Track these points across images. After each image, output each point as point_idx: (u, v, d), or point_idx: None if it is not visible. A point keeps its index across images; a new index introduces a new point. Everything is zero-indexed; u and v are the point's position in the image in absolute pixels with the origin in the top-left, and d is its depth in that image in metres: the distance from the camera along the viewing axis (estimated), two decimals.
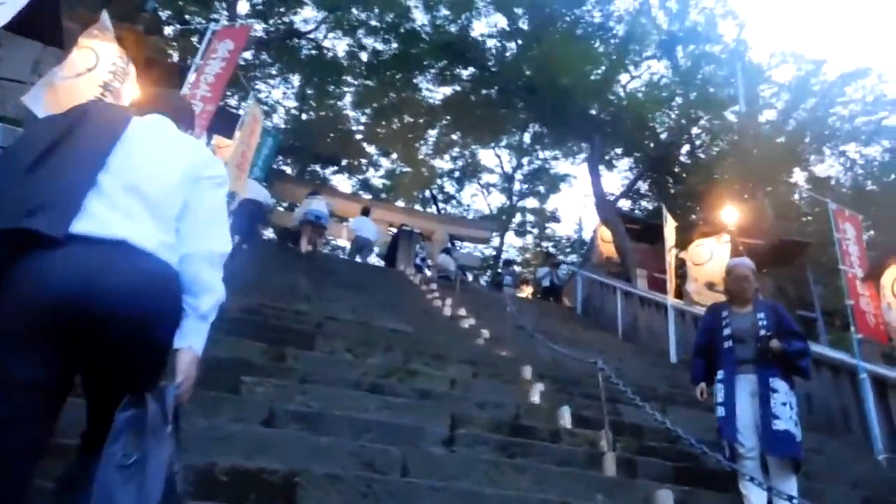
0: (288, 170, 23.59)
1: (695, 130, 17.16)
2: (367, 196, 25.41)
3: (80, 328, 1.78)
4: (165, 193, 2.01)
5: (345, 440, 3.80)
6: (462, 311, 9.60)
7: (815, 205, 11.54)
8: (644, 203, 19.44)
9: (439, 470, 3.75)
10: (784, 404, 4.32)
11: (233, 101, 17.12)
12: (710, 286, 10.79)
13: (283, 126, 22.19)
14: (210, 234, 2.10)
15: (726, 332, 4.67)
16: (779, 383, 4.38)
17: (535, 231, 28.96)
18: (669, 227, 11.08)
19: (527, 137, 25.17)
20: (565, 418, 5.22)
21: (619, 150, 20.46)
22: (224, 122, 11.01)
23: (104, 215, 1.88)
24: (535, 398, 5.60)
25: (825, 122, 18.35)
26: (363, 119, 22.81)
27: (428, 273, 15.35)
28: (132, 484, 1.71)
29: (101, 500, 1.68)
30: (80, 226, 1.84)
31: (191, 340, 2.02)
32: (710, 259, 10.71)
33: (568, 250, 25.69)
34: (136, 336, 1.84)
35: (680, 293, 11.07)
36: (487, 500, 3.44)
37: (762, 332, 4.46)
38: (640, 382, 7.64)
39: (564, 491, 3.93)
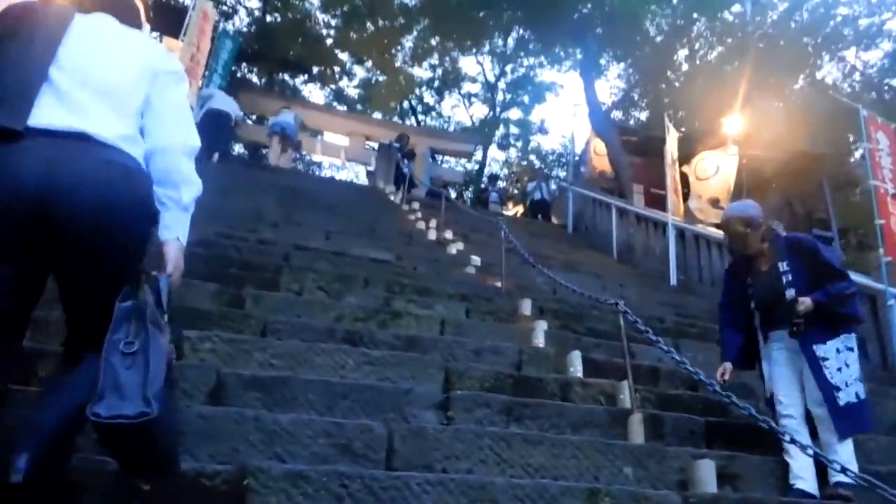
0: (255, 79, 22.11)
1: (693, 33, 15.91)
2: (342, 108, 24.08)
3: (45, 220, 1.79)
4: (122, 87, 2.01)
5: (314, 416, 3.01)
6: (448, 235, 8.75)
7: (830, 113, 10.65)
8: (637, 114, 18.39)
9: (434, 450, 2.99)
10: (840, 369, 3.55)
11: None
12: (715, 203, 10.05)
13: (245, 30, 20.57)
14: (180, 128, 2.12)
15: (751, 301, 3.89)
16: (827, 348, 3.57)
17: (520, 144, 27.90)
18: (671, 139, 10.18)
19: (511, 43, 23.69)
20: (575, 365, 4.47)
21: (609, 56, 19.24)
22: (168, 19, 9.81)
23: (60, 109, 1.88)
24: (539, 340, 4.84)
25: (827, 23, 17.24)
26: (334, 22, 21.20)
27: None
28: (136, 368, 1.78)
29: (108, 384, 1.75)
30: (37, 119, 1.84)
31: (176, 232, 2.12)
32: (716, 173, 9.94)
33: (555, 164, 24.78)
34: (101, 223, 1.84)
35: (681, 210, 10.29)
36: (498, 492, 2.67)
37: (788, 293, 3.63)
38: (644, 312, 6.93)
39: (587, 467, 3.21)
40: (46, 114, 1.86)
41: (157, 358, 1.82)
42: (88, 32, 2.05)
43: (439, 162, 21.45)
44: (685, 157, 10.75)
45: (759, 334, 3.87)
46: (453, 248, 7.81)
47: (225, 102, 12.54)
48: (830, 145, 11.43)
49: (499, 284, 6.38)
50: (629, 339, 5.32)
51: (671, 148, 10.09)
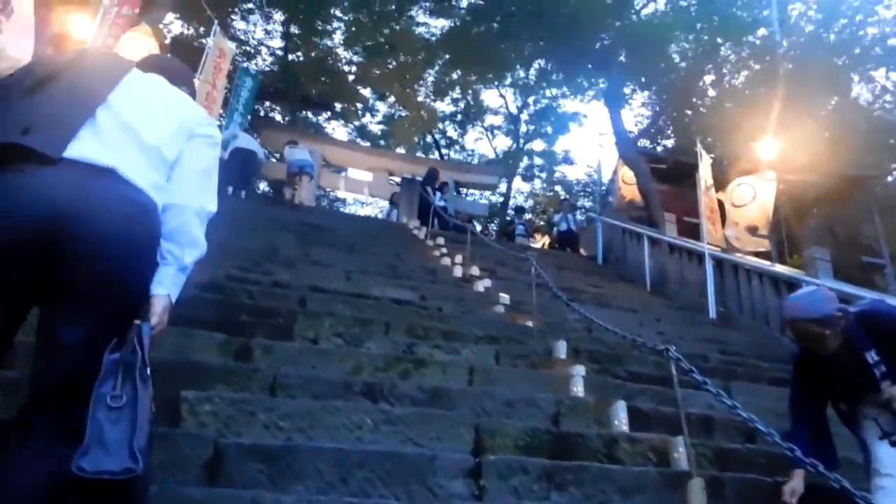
0: (278, 117, 22.10)
1: (719, 58, 15.52)
2: (365, 143, 24.00)
3: (58, 244, 1.77)
4: (161, 139, 2.06)
5: (322, 496, 2.60)
6: (475, 271, 8.35)
7: (867, 133, 10.15)
8: (664, 141, 17.93)
9: None
10: None
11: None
12: (753, 230, 9.55)
13: (268, 69, 20.60)
14: (203, 191, 2.16)
15: (828, 394, 3.31)
16: None
17: (544, 175, 27.53)
18: (704, 165, 9.72)
19: (533, 74, 23.49)
20: (620, 417, 4.01)
21: (633, 84, 18.90)
22: (185, 58, 9.64)
23: (99, 145, 1.92)
24: (577, 388, 4.38)
25: (855, 43, 16.74)
26: (355, 59, 21.17)
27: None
28: (122, 423, 1.77)
29: (94, 438, 1.72)
30: (73, 151, 1.87)
31: (168, 289, 2.06)
32: (753, 199, 9.44)
33: (581, 194, 24.35)
34: (114, 251, 1.84)
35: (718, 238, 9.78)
36: None
37: (885, 386, 3.01)
38: (685, 349, 6.45)
39: None
40: (84, 148, 1.89)
41: (144, 413, 1.81)
42: (140, 86, 2.15)
43: (463, 195, 21.16)
44: (717, 184, 10.29)
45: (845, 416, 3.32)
46: (480, 286, 7.40)
47: (250, 142, 13.01)
48: (870, 167, 10.88)
49: (530, 324, 5.95)
50: (668, 383, 4.91)
51: (705, 174, 9.63)
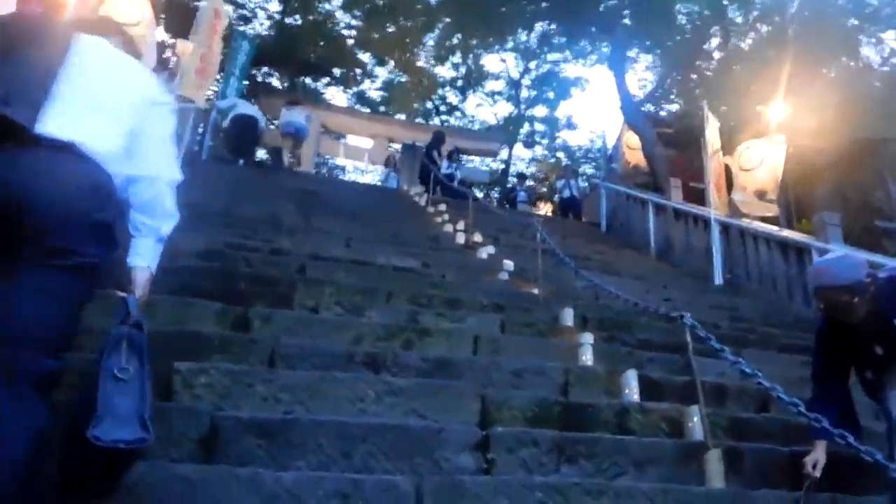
0: (276, 83, 21.75)
1: (725, 19, 15.13)
2: (365, 110, 23.67)
3: (13, 220, 1.80)
4: (119, 107, 2.07)
5: (324, 472, 2.48)
6: (477, 237, 8.19)
7: (878, 97, 9.88)
8: (669, 106, 17.60)
9: None
10: None
11: None
12: (762, 195, 9.36)
13: (265, 33, 20.18)
14: (167, 161, 2.22)
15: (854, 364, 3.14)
16: None
17: (546, 141, 27.21)
18: (711, 128, 9.49)
19: (534, 38, 23.05)
20: (631, 386, 3.88)
21: (636, 49, 18.51)
22: (178, 20, 9.45)
23: (60, 119, 1.92)
24: (586, 357, 4.25)
25: (865, 4, 16.34)
26: (354, 23, 20.74)
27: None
28: (130, 395, 1.89)
29: (105, 408, 1.82)
30: (40, 126, 1.89)
31: (147, 260, 2.18)
32: (762, 164, 9.23)
33: (583, 161, 24.08)
34: (58, 235, 1.85)
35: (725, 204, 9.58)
36: None
37: None
38: (695, 318, 6.31)
39: None
40: (47, 121, 1.91)
41: (148, 382, 1.96)
42: (95, 54, 2.12)
43: (464, 162, 20.90)
44: (725, 148, 10.07)
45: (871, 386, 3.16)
46: (483, 253, 7.25)
47: (250, 109, 12.72)
48: (882, 131, 10.62)
49: (535, 291, 5.81)
50: (681, 349, 4.79)
51: (712, 138, 9.41)
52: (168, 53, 12.20)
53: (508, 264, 6.68)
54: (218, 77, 13.31)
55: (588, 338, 4.56)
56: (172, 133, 2.29)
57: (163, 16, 11.87)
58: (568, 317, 5.06)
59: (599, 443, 3.14)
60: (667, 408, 3.67)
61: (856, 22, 14.26)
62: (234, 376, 3.09)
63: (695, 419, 3.48)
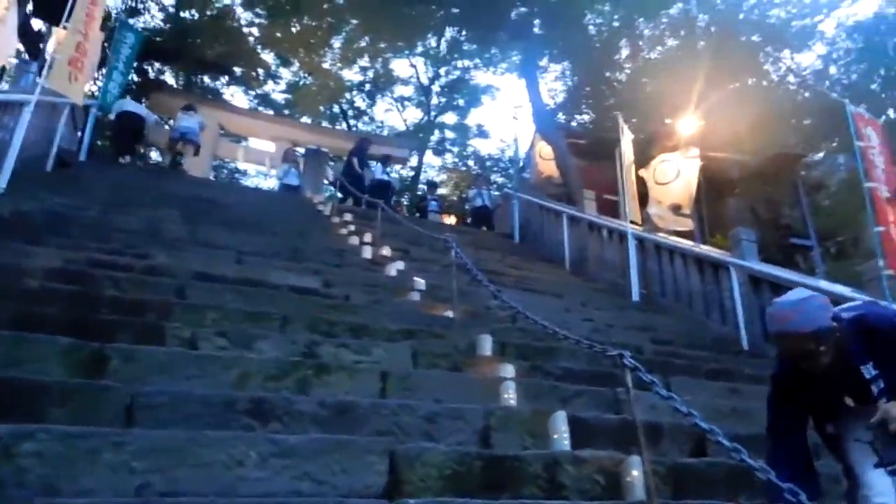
0: (171, 80, 20.44)
1: (637, 31, 15.22)
2: (269, 112, 22.63)
3: None
4: None
5: None
6: (386, 251, 7.61)
7: (788, 112, 9.99)
8: (580, 117, 17.57)
9: None
10: None
11: None
12: (676, 209, 9.23)
13: (160, 26, 18.90)
14: None
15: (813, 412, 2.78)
16: None
17: (456, 149, 26.90)
18: (626, 140, 9.30)
19: (444, 43, 22.73)
20: (560, 431, 3.40)
21: (547, 59, 18.44)
22: (49, 3, 8.46)
23: None
24: (509, 395, 3.75)
25: (764, 24, 16.86)
26: (256, 20, 19.72)
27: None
28: None
29: None
30: None
31: None
32: (677, 177, 9.10)
33: (494, 170, 23.88)
34: None
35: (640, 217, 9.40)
36: None
37: (882, 403, 2.49)
38: (616, 338, 5.98)
39: None
40: None
41: None
42: None
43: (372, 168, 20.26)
44: (637, 161, 9.92)
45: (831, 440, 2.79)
46: (392, 269, 6.67)
47: (137, 107, 12.39)
48: (793, 147, 10.79)
49: (450, 314, 5.28)
50: (604, 379, 4.38)
51: (627, 150, 9.21)
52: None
53: (420, 282, 6.14)
54: (100, 72, 12.27)
55: (509, 371, 4.08)
56: None
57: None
58: (486, 344, 4.57)
59: None
60: (602, 457, 3.20)
61: (758, 39, 14.62)
62: (73, 441, 2.39)
63: (634, 472, 3.03)
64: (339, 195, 12.42)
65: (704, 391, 4.81)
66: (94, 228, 5.75)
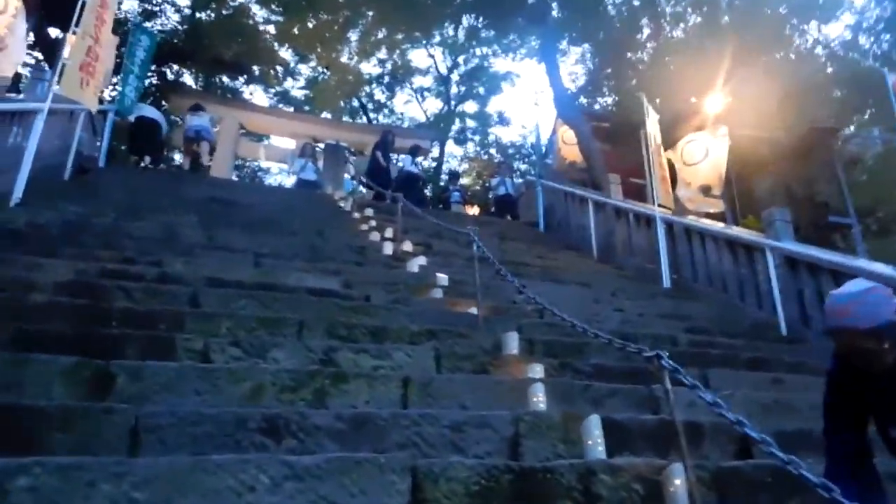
0: (190, 82, 20.45)
1: (658, 8, 14.77)
2: (289, 109, 22.57)
3: None
4: None
5: None
6: (407, 246, 7.43)
7: (819, 85, 9.57)
8: (602, 100, 17.17)
9: None
10: None
11: None
12: (706, 190, 8.91)
13: (174, 28, 18.87)
14: None
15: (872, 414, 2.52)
16: None
17: (478, 138, 26.63)
18: (652, 121, 8.98)
19: (462, 32, 22.43)
20: (594, 437, 3.17)
21: (566, 42, 18.04)
22: (59, 9, 8.39)
23: None
24: (539, 399, 3.53)
25: None
26: (273, 18, 19.60)
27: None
28: None
29: None
30: None
31: None
32: (706, 157, 8.77)
33: (516, 157, 23.57)
34: None
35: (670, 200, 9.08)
36: None
37: None
38: (648, 329, 5.74)
39: None
40: None
41: None
42: None
43: (394, 161, 20.10)
44: (663, 142, 9.59)
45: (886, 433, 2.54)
46: (414, 265, 6.48)
47: (152, 112, 12.38)
48: (827, 121, 10.33)
49: (474, 311, 5.07)
50: (638, 375, 4.14)
51: (653, 131, 8.90)
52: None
53: (442, 278, 5.94)
54: (117, 79, 12.26)
55: (538, 371, 3.87)
56: None
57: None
58: (512, 342, 4.35)
59: None
60: (640, 464, 2.98)
61: (784, 11, 14.09)
62: (69, 473, 2.24)
63: (676, 481, 2.80)
64: (363, 190, 12.31)
65: (744, 383, 4.55)
66: (108, 237, 5.64)
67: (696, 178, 8.72)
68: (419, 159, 15.49)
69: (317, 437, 2.87)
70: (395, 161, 14.91)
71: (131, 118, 12.42)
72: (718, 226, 8.12)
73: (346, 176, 14.90)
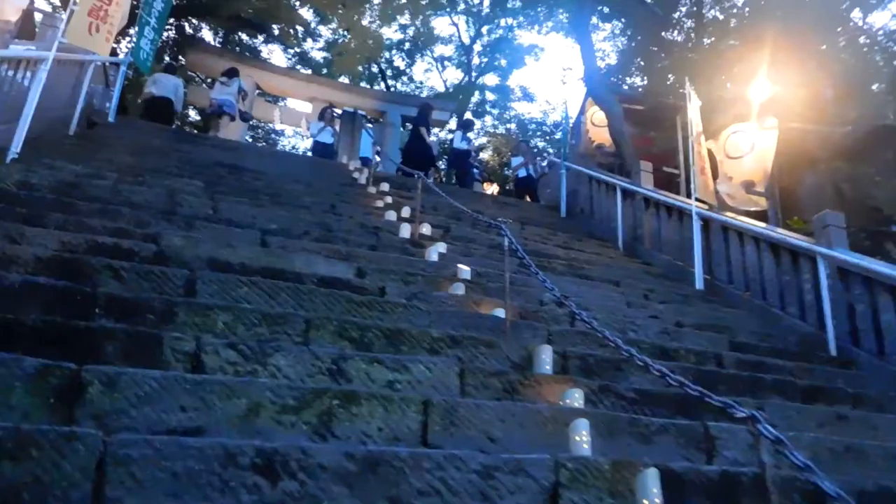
0: (209, 37, 19.81)
1: None
2: (307, 71, 21.93)
3: None
4: None
5: None
6: (426, 229, 6.91)
7: (884, 77, 8.86)
8: (632, 80, 16.44)
9: None
10: None
11: None
12: (749, 186, 8.31)
13: None
14: None
15: None
16: None
17: (496, 111, 25.92)
18: (693, 108, 8.34)
19: (487, 2, 21.67)
20: (651, 495, 2.67)
21: (596, 19, 17.26)
22: None
23: None
24: (582, 438, 3.02)
25: None
26: None
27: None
28: None
29: None
30: None
31: None
32: (751, 151, 8.16)
33: (536, 134, 22.89)
34: None
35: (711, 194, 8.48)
36: None
37: None
38: (690, 343, 5.23)
39: None
40: None
41: None
42: None
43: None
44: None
45: None
46: (434, 253, 5.95)
47: (166, 88, 11.88)
48: (884, 118, 9.66)
49: (500, 313, 4.56)
50: (700, 405, 3.63)
51: (694, 118, 8.28)
52: None
53: (464, 270, 5.42)
54: (132, 31, 11.68)
55: (577, 398, 3.37)
56: None
57: None
58: (545, 357, 3.85)
59: None
60: None
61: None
62: None
63: None
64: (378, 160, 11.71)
65: (807, 420, 4.04)
66: (104, 202, 5.14)
67: (739, 172, 8.13)
68: (470, 134, 14.85)
69: (321, 479, 2.37)
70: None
71: (144, 93, 12.16)
72: (761, 225, 7.55)
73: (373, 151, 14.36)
